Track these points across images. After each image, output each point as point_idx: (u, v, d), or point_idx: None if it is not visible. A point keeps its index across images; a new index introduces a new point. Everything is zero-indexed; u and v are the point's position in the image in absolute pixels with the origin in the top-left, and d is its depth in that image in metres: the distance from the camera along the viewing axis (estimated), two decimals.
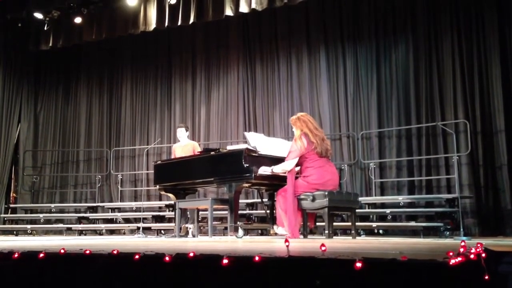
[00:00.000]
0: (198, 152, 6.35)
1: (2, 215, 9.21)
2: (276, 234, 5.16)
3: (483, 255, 1.65)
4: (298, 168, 5.14)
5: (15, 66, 9.79)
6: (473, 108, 6.83)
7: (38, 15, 8.64)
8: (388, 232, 6.89)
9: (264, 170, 5.09)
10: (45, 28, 8.80)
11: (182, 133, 6.97)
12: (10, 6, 8.47)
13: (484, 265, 1.54)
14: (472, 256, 1.68)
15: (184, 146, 6.89)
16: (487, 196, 6.57)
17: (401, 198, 6.85)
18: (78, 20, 8.63)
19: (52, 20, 8.73)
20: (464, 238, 5.36)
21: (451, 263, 1.52)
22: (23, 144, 9.98)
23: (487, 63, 6.77)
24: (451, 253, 1.71)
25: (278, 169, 5.07)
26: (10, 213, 9.42)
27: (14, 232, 8.89)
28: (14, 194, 9.92)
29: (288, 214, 4.85)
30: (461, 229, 5.92)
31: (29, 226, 8.87)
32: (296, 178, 5.04)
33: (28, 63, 10.14)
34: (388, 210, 6.82)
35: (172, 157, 6.96)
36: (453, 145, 6.54)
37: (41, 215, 9.05)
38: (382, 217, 7.01)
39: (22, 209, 9.60)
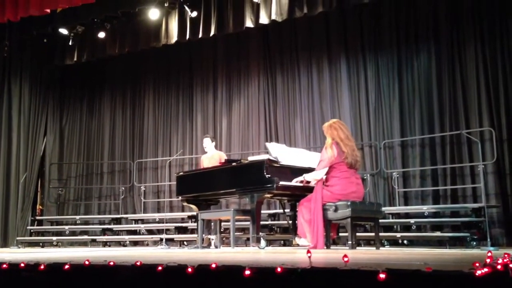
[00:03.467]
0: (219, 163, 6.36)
1: (29, 227, 9.37)
2: (298, 245, 5.11)
3: (511, 265, 1.61)
4: (325, 177, 5.10)
5: (41, 80, 10.02)
6: (498, 116, 6.70)
7: (63, 31, 8.86)
8: (412, 243, 6.78)
9: (295, 180, 5.07)
10: (70, 43, 9.02)
11: (207, 143, 6.96)
12: (36, 22, 8.68)
13: (511, 276, 1.51)
14: (499, 267, 1.65)
15: (211, 157, 6.90)
16: None
17: (426, 208, 6.74)
18: (101, 34, 8.81)
19: (77, 35, 8.95)
20: (491, 248, 5.24)
21: (477, 274, 1.49)
22: (49, 157, 10.17)
23: None
24: (477, 264, 1.68)
25: (310, 177, 5.01)
26: (37, 225, 9.59)
27: (41, 244, 9.03)
28: (40, 206, 10.11)
29: (316, 223, 4.77)
30: (488, 239, 5.79)
31: (54, 238, 9.01)
32: None
33: (54, 77, 10.37)
34: (412, 220, 6.72)
35: (200, 168, 6.97)
36: (478, 154, 6.43)
37: (66, 227, 9.18)
38: (406, 227, 6.90)
39: (48, 221, 9.76)
